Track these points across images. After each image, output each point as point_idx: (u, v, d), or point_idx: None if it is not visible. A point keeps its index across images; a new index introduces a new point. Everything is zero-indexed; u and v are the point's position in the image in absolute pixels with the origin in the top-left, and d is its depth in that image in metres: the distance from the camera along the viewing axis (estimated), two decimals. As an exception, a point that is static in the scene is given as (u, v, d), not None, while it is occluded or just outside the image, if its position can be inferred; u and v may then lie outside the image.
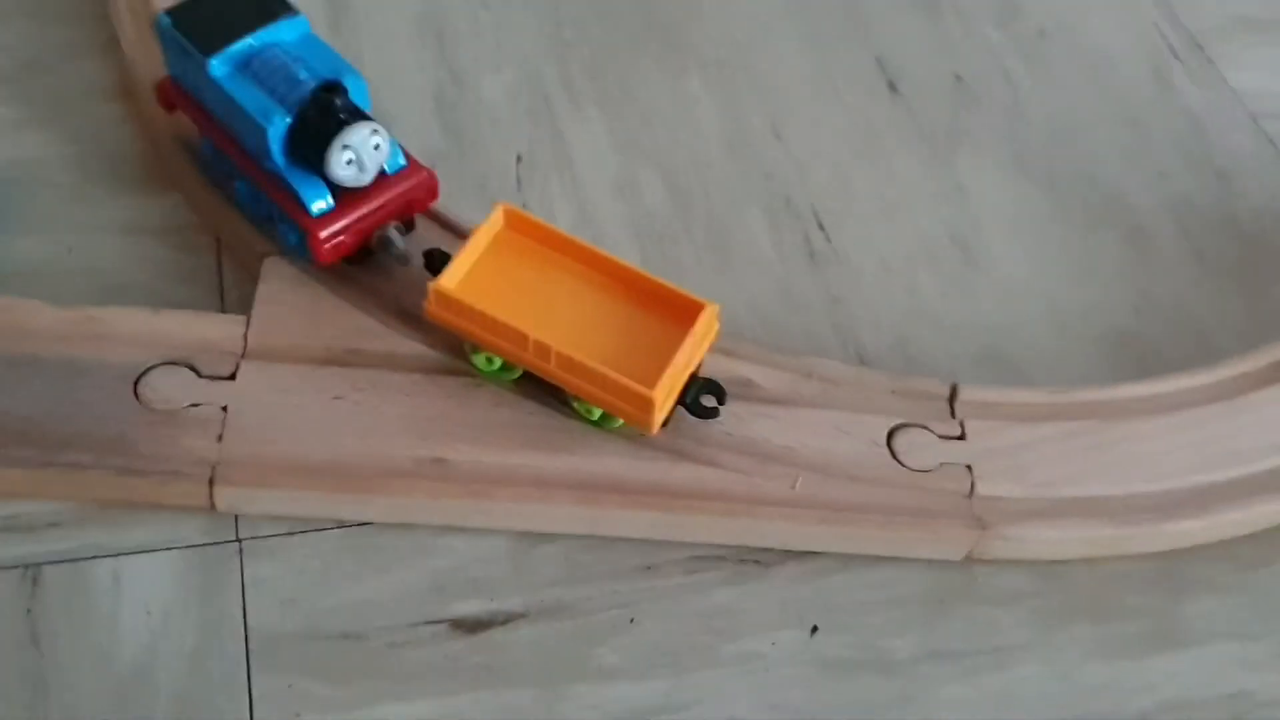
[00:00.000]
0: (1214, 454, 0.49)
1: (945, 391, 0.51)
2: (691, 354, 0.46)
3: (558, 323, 0.46)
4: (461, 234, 0.52)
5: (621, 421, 0.46)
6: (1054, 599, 0.47)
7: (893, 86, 0.67)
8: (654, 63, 0.66)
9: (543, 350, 0.45)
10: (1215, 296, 0.59)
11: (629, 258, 0.57)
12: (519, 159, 0.60)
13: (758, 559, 0.47)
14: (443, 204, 0.53)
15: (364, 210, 0.49)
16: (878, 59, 0.69)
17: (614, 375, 0.44)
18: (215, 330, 0.49)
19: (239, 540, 0.45)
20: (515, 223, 0.49)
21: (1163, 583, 0.48)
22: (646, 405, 0.44)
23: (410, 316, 0.50)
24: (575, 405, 0.47)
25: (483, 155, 0.60)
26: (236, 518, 0.46)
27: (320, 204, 0.48)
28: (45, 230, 0.53)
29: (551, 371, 0.46)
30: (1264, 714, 0.44)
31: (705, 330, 0.46)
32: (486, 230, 0.49)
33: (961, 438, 0.49)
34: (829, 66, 0.68)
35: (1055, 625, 0.46)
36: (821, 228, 0.59)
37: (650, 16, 0.69)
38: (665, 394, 0.45)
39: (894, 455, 0.48)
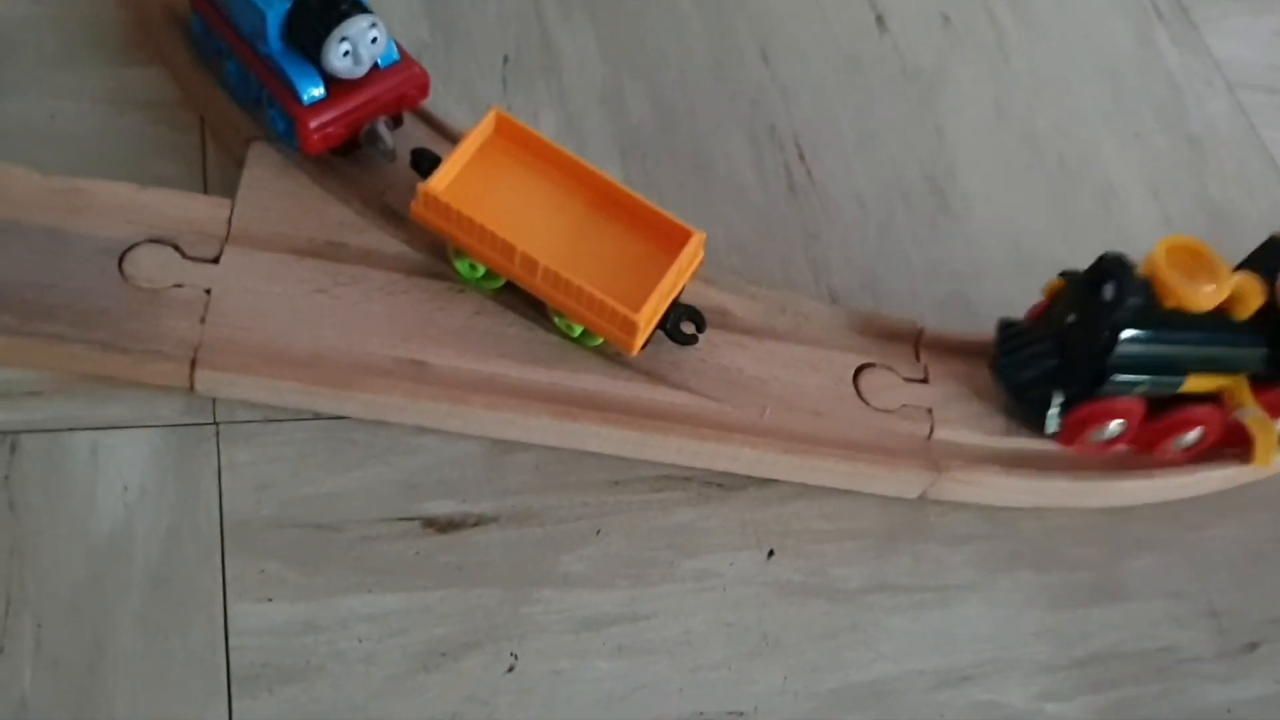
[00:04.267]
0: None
1: (912, 333, 0.52)
2: (676, 280, 0.47)
3: (544, 236, 0.47)
4: (446, 133, 0.52)
5: (602, 340, 0.47)
6: (1001, 544, 0.49)
7: (881, 21, 0.67)
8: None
9: (530, 264, 0.46)
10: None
11: (611, 172, 0.57)
12: (506, 60, 0.60)
13: (721, 482, 0.49)
14: (428, 101, 0.52)
15: (355, 102, 0.49)
16: (870, -7, 0.69)
17: (600, 295, 0.45)
18: (200, 211, 0.48)
19: (216, 423, 0.46)
20: (507, 130, 0.49)
21: (1106, 538, 0.50)
22: (631, 327, 0.45)
23: (394, 214, 0.50)
24: (556, 320, 0.48)
25: (470, 53, 0.60)
26: (214, 401, 0.46)
27: (313, 92, 0.48)
28: (26, 93, 0.52)
29: (537, 286, 0.46)
30: (1187, 669, 0.47)
31: (691, 258, 0.47)
32: (477, 135, 0.49)
33: (925, 380, 0.51)
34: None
35: (1000, 570, 0.48)
36: (803, 159, 0.60)
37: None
38: (649, 317, 0.46)
39: (859, 393, 0.50)
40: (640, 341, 0.46)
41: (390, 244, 0.49)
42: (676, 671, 0.44)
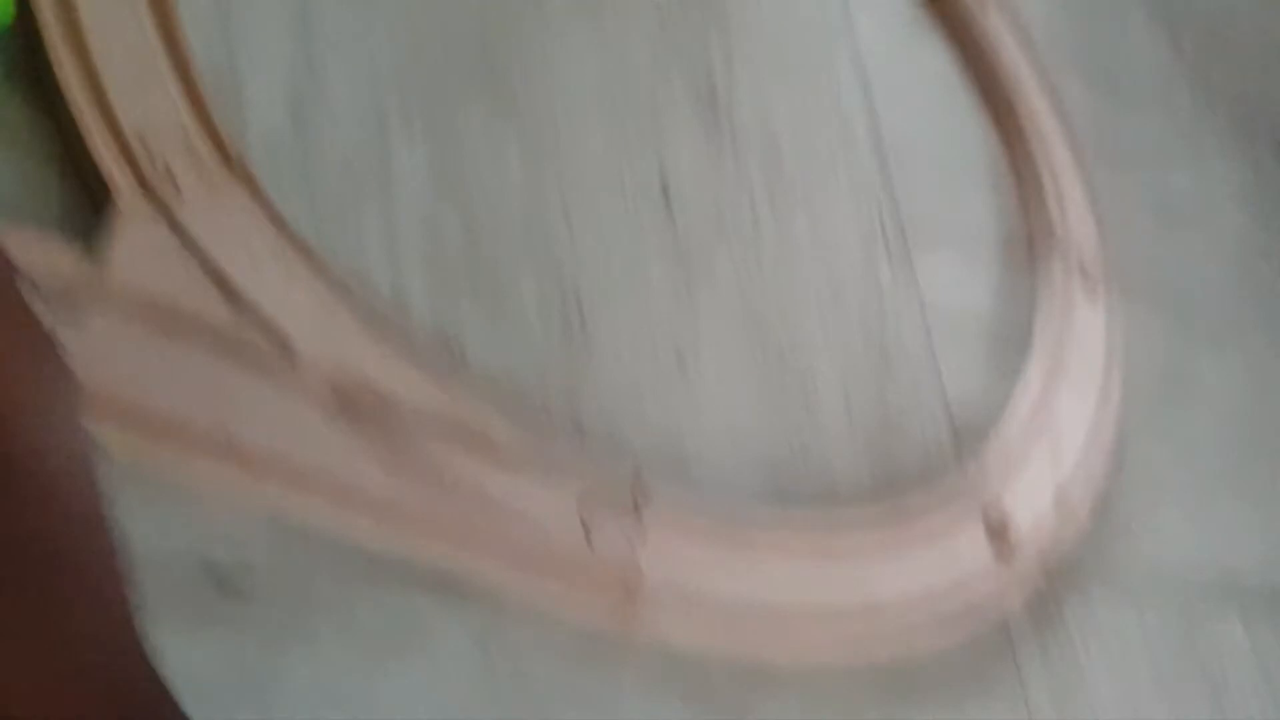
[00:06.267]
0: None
1: (631, 479, 0.64)
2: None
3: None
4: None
5: None
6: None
7: (668, 201, 0.79)
8: (482, 113, 0.74)
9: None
10: (849, 447, 0.75)
11: (416, 291, 0.66)
12: (346, 165, 0.67)
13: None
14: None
15: None
16: (661, 171, 0.80)
17: None
18: (60, 261, 0.53)
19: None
20: None
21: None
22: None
23: (229, 290, 0.57)
24: None
25: (318, 151, 0.67)
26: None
27: None
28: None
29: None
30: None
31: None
32: None
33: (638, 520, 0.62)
34: (622, 163, 0.79)
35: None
36: (580, 310, 0.71)
37: (490, 65, 0.77)
38: None
39: (586, 532, 0.61)
40: None
41: (224, 321, 0.57)
42: None
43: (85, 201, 0.58)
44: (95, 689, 0.29)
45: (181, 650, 0.50)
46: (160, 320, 0.55)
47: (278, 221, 0.61)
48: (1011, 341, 0.88)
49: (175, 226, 0.57)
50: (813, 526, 0.70)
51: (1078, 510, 0.81)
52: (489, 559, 0.58)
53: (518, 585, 0.59)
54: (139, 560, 0.50)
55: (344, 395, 0.58)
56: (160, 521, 0.53)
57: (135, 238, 0.56)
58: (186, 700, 0.40)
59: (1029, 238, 0.95)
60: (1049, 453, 0.82)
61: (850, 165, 0.91)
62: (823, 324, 0.80)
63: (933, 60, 1.01)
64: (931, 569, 0.71)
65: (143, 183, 0.58)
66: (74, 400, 0.31)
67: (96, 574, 0.30)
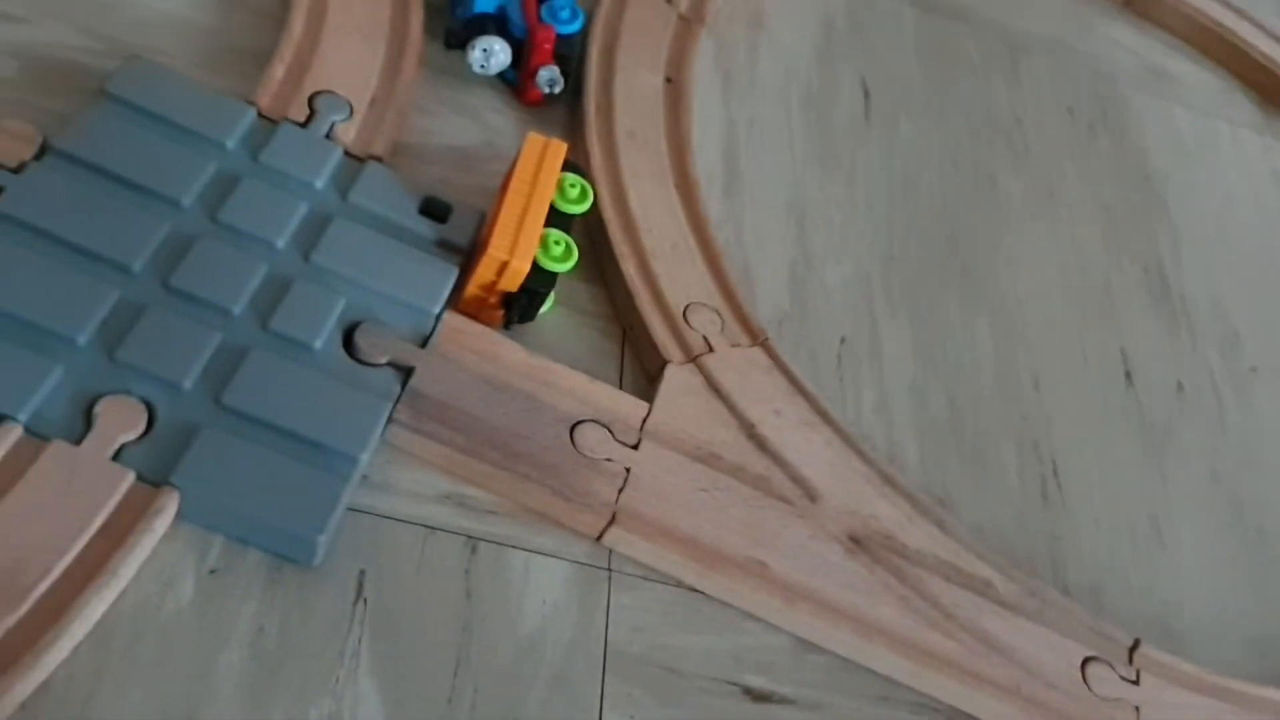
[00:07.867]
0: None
1: (1129, 642, 0.65)
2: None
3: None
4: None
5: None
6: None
7: (1129, 377, 0.82)
8: (955, 297, 0.82)
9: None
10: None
11: (906, 451, 0.72)
12: (842, 340, 0.76)
13: (966, 722, 0.62)
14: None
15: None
16: (1122, 349, 0.84)
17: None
18: (627, 408, 0.64)
19: (610, 570, 0.60)
20: None
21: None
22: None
23: (762, 442, 0.65)
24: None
25: (817, 327, 0.76)
26: (610, 553, 0.61)
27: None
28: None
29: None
30: None
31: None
32: None
33: (1135, 683, 0.64)
34: (1084, 342, 0.83)
35: None
36: (1056, 475, 0.74)
37: (959, 257, 0.84)
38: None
39: (1085, 679, 0.63)
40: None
41: (756, 465, 0.64)
42: None
43: (639, 360, 0.68)
44: None
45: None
46: (700, 461, 0.64)
47: (794, 382, 0.69)
48: None
49: (712, 385, 0.67)
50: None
51: None
52: (987, 691, 0.61)
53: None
54: (688, 674, 0.58)
55: (859, 537, 0.63)
56: (707, 638, 0.60)
57: (680, 390, 0.66)
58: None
59: None
60: None
61: (1311, 352, 0.90)
62: (1296, 506, 0.80)
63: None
64: None
65: (684, 347, 0.67)
66: None
67: None
